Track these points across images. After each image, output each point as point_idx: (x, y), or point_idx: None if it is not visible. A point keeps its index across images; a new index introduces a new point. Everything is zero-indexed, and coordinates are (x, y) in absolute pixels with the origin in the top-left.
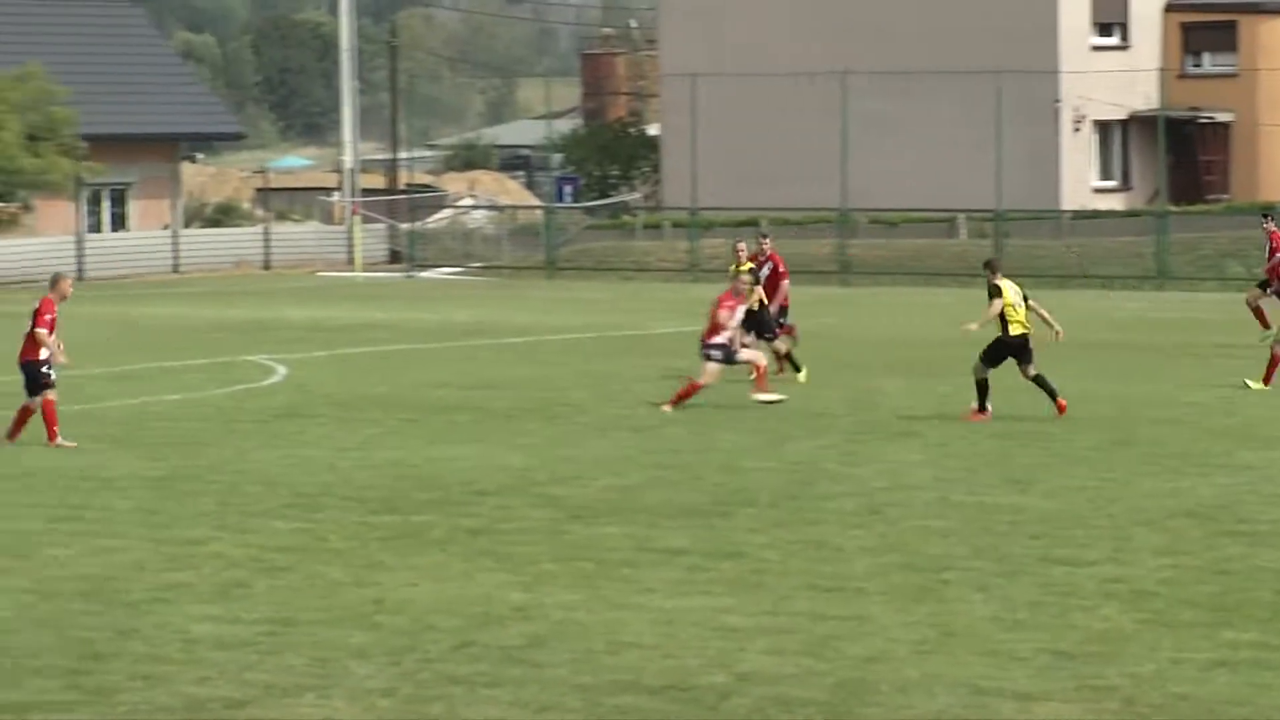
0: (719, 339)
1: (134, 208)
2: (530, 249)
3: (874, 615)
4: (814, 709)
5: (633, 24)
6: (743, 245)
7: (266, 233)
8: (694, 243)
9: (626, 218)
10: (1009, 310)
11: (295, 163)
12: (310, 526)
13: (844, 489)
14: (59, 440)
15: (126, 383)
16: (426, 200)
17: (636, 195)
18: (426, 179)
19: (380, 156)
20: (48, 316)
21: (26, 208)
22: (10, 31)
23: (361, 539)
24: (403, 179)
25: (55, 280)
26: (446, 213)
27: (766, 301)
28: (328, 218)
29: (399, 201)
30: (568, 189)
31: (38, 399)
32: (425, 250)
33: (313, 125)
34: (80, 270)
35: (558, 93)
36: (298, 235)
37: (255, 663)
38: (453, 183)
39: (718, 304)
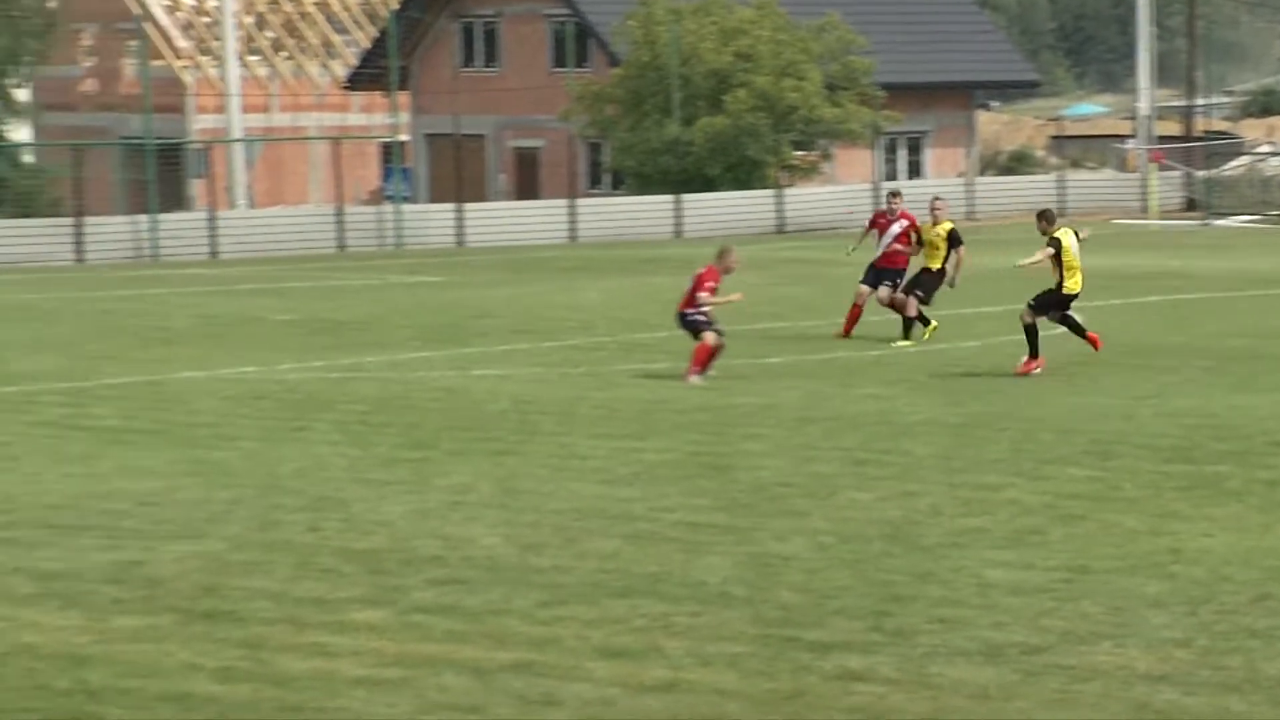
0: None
1: (929, 155)
2: None
3: None
4: None
5: None
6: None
7: (1061, 180)
8: None
9: None
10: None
11: (1089, 110)
12: (1104, 474)
13: None
14: (692, 378)
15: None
16: (1223, 147)
17: None
18: (1223, 125)
19: (1175, 103)
20: (709, 284)
21: (826, 156)
22: None
23: (1156, 488)
24: (1199, 126)
25: (723, 252)
26: (1244, 159)
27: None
28: (1122, 165)
29: (1195, 149)
30: None
31: (705, 337)
32: (1222, 198)
33: (1107, 72)
34: None
35: None
36: (1092, 183)
37: (1051, 609)
38: (1250, 129)
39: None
